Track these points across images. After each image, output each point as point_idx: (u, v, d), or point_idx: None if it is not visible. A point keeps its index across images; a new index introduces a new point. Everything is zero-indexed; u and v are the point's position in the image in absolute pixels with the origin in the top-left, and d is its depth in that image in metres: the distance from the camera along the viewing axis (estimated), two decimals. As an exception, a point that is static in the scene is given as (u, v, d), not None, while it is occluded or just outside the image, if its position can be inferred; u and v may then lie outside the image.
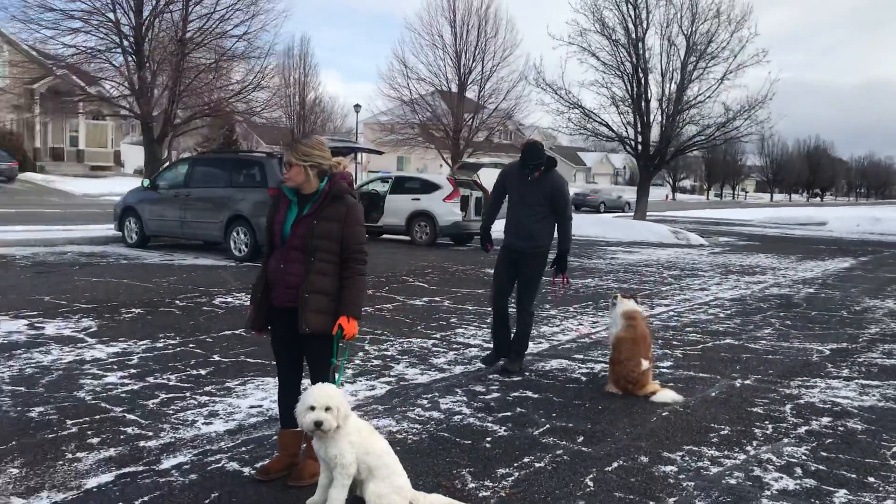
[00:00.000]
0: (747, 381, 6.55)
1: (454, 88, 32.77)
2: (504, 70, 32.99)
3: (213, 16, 19.60)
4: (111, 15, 18.72)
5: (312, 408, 3.59)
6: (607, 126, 27.03)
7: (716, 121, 26.24)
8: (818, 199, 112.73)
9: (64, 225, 18.67)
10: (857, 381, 6.68)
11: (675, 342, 8.14)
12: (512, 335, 6.75)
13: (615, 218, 29.62)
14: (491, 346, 6.93)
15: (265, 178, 13.54)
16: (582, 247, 20.84)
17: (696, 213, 49.76)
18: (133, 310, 8.58)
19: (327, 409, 3.59)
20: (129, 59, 19.14)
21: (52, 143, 44.39)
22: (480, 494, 4.00)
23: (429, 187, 19.09)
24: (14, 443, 4.42)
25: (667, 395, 5.86)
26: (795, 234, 31.23)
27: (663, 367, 6.96)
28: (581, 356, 7.37)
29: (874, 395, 6.20)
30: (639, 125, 26.67)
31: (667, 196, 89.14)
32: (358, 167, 48.98)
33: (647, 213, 28.15)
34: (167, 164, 17.73)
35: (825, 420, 5.49)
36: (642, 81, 26.39)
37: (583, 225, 26.12)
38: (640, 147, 26.93)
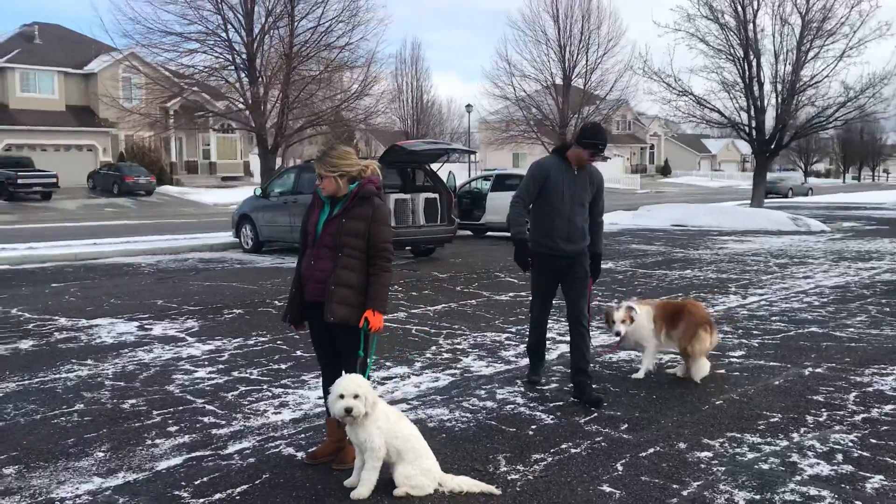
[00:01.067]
0: (818, 370, 6.41)
1: (559, 82, 32.67)
2: (610, 61, 32.65)
3: (317, 29, 20.57)
4: (224, 35, 19.99)
5: (342, 396, 3.94)
6: (719, 112, 26.19)
7: (835, 100, 24.89)
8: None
9: (194, 233, 20.10)
10: (940, 368, 6.41)
11: (755, 331, 8.00)
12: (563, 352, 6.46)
13: (732, 206, 28.60)
14: (527, 362, 6.40)
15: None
16: (691, 237, 20.40)
17: (828, 197, 47.18)
18: (234, 310, 9.28)
19: (356, 396, 3.93)
20: (243, 75, 20.38)
21: (186, 157, 47.54)
22: (509, 478, 4.22)
23: (530, 184, 19.20)
24: (104, 430, 5.02)
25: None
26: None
27: (734, 357, 6.91)
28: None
29: (953, 383, 5.94)
30: (752, 109, 25.67)
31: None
32: (473, 166, 49.60)
33: (771, 200, 27.02)
34: (278, 172, 18.73)
35: (888, 408, 5.35)
36: (754, 64, 25.40)
37: (697, 215, 25.49)
38: (754, 132, 25.93)
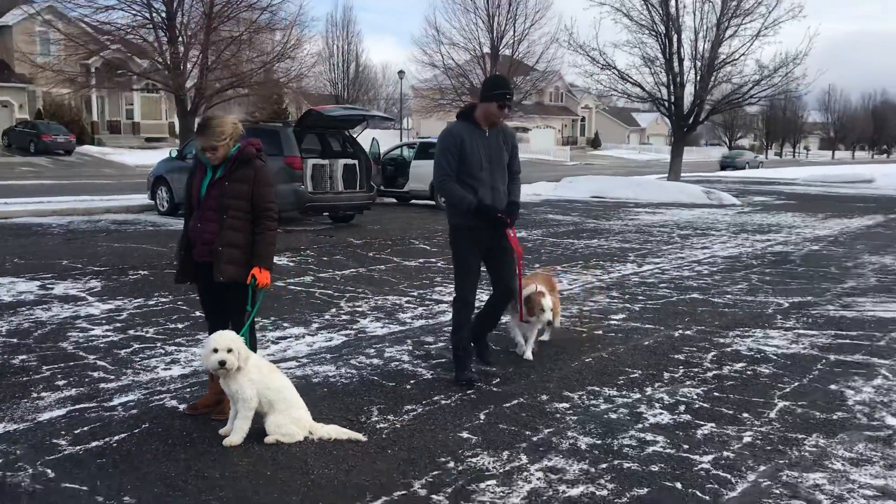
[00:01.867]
0: (687, 332, 6.90)
1: (487, 51, 32.88)
2: (537, 32, 32.99)
3: (239, -12, 20.23)
4: (142, -9, 19.53)
5: (216, 350, 4.16)
6: (640, 87, 26.88)
7: (750, 78, 25.84)
8: (885, 155, 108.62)
9: (112, 195, 19.76)
10: (796, 330, 6.97)
11: (640, 297, 8.49)
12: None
13: (650, 179, 29.46)
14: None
15: (282, 146, 14.15)
16: (607, 208, 21.03)
17: (747, 173, 48.88)
18: (140, 272, 9.33)
19: (229, 350, 4.15)
20: (161, 34, 19.96)
21: (109, 117, 46.20)
22: (378, 426, 4.52)
23: (451, 152, 19.47)
24: (-10, 383, 5.13)
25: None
26: (838, 192, 30.57)
27: (615, 320, 7.35)
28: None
29: (802, 344, 6.49)
30: (672, 85, 26.45)
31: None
32: (406, 134, 49.53)
33: (694, 174, 27.95)
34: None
35: (739, 366, 5.84)
36: (675, 40, 26.11)
37: (616, 187, 26.22)
38: (673, 107, 26.73)
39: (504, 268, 5.59)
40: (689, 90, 26.78)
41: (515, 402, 4.98)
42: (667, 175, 28.84)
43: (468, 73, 32.65)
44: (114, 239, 12.24)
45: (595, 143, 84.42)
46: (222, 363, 4.14)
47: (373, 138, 20.68)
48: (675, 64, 26.27)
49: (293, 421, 4.27)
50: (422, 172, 19.56)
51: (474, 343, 5.74)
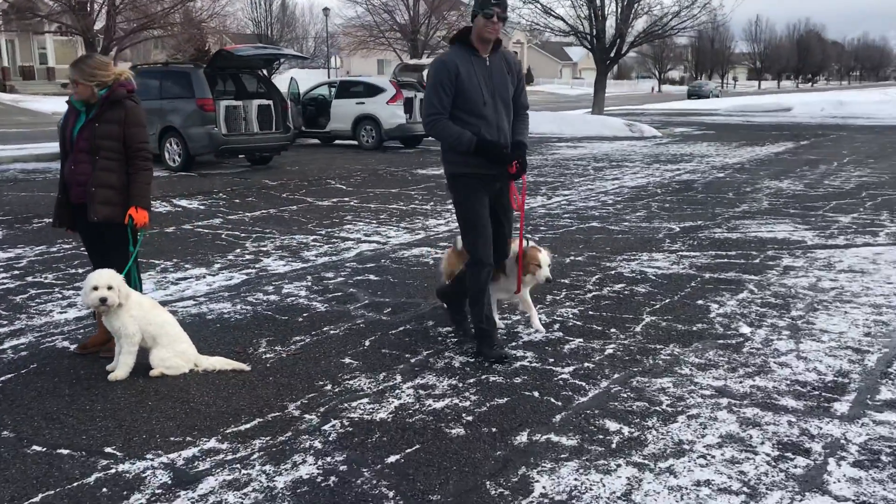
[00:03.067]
0: (579, 258, 7.22)
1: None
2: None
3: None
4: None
5: (96, 287, 4.26)
6: (563, 20, 26.97)
7: (669, 10, 26.16)
8: (809, 84, 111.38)
9: (23, 143, 19.11)
10: (679, 252, 7.36)
11: (542, 227, 8.79)
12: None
13: (574, 113, 29.79)
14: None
15: (193, 88, 13.91)
16: (531, 144, 21.20)
17: (675, 104, 49.67)
18: (44, 220, 9.20)
19: (109, 288, 4.26)
20: (65, -27, 19.15)
21: (21, 62, 44.22)
22: (264, 356, 4.71)
23: (372, 91, 19.40)
24: None
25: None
26: (757, 121, 31.45)
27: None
28: (446, 244, 8.00)
29: (682, 265, 6.88)
30: (593, 18, 26.60)
31: (653, 88, 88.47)
32: (335, 73, 48.69)
33: (623, 107, 28.36)
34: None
35: (618, 286, 6.18)
36: (595, -28, 26.19)
37: (540, 122, 26.45)
38: (595, 41, 26.93)
39: (500, 228, 4.68)
40: (610, 23, 27.00)
41: (402, 328, 5.21)
42: (590, 109, 29.19)
43: (392, 9, 32.20)
44: (21, 188, 11.97)
45: (528, 78, 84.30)
46: (103, 300, 4.24)
47: (291, 78, 20.39)
48: (596, -3, 26.40)
49: (177, 354, 4.42)
50: (343, 112, 19.46)
51: (451, 305, 5.07)
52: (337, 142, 20.42)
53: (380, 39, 32.45)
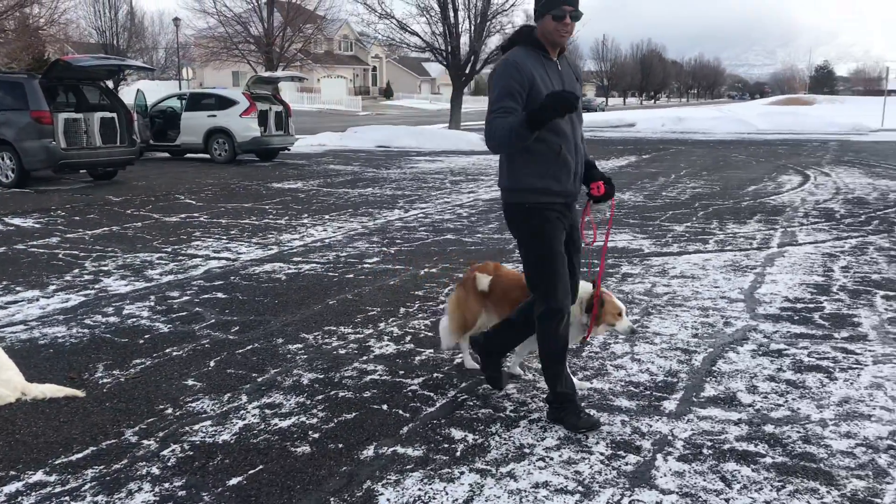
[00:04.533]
0: (433, 270, 7.33)
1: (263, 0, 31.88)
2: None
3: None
4: None
5: None
6: (419, 36, 27.33)
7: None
8: (652, 101, 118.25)
9: None
10: (528, 263, 7.61)
11: (398, 240, 8.84)
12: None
13: (433, 128, 30.24)
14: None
15: (27, 100, 13.06)
16: (390, 157, 21.41)
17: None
18: None
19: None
20: None
21: None
22: (101, 381, 4.47)
23: (225, 103, 18.94)
24: None
25: None
26: (604, 136, 33.10)
27: (368, 263, 7.63)
28: (300, 259, 7.90)
29: (530, 274, 7.11)
30: (448, 35, 27.12)
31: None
32: (187, 84, 47.02)
33: (481, 122, 28.89)
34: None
35: (469, 297, 6.31)
36: (449, -11, 26.71)
37: (400, 136, 26.70)
38: (450, 57, 27.46)
39: (572, 269, 3.95)
40: (464, 40, 27.62)
41: (249, 347, 5.09)
42: (448, 124, 29.70)
43: (246, 21, 31.49)
44: None
45: (388, 93, 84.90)
46: (-88, 330, 3.90)
47: (137, 90, 19.59)
48: (451, 13, 26.92)
49: (2, 383, 4.12)
50: (194, 125, 18.88)
51: (487, 358, 4.24)
52: (188, 155, 19.76)
53: (233, 51, 31.67)
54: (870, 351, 4.95)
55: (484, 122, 3.68)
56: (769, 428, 3.78)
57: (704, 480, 3.28)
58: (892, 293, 6.41)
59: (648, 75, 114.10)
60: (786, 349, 4.99)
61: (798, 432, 3.74)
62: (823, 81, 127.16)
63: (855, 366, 4.68)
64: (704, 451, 3.56)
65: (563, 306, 3.77)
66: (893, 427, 3.80)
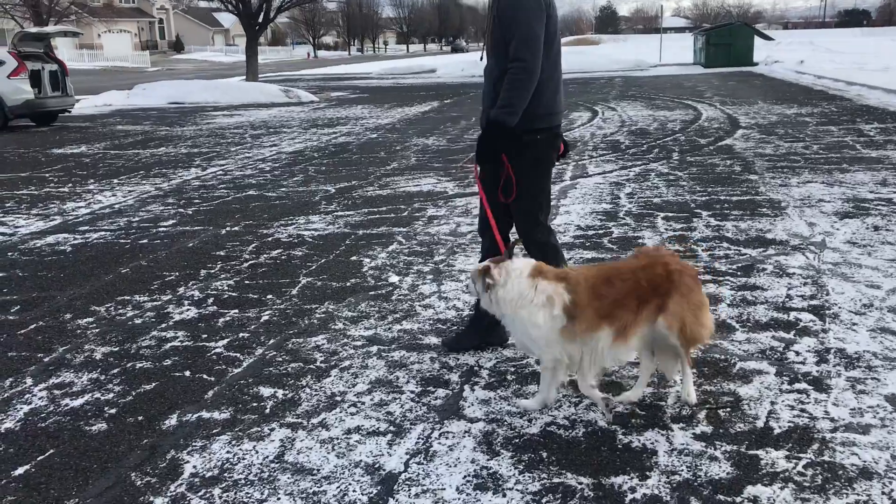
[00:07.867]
0: (235, 228, 7.06)
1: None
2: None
3: None
4: None
5: None
6: (205, -16, 25.83)
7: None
8: (450, 47, 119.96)
9: None
10: (335, 213, 7.53)
11: (196, 200, 8.43)
12: None
13: (229, 81, 28.96)
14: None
15: None
16: (184, 114, 20.30)
17: (331, 69, 50.47)
18: None
19: None
20: None
21: None
22: None
23: (-12, 64, 16.99)
24: None
25: None
26: (406, 83, 33.21)
27: (163, 227, 7.22)
28: (87, 228, 7.32)
29: (339, 224, 7.05)
30: (237, -17, 25.86)
31: (308, 54, 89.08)
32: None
33: (280, 73, 27.87)
34: None
35: (275, 252, 6.15)
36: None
37: (193, 91, 25.32)
38: (241, 6, 26.25)
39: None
40: (255, -12, 26.46)
41: (33, 326, 4.68)
42: (245, 76, 28.56)
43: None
44: None
45: (178, 46, 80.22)
46: None
47: None
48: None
49: None
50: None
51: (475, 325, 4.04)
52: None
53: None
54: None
55: (519, 50, 3.46)
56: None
57: (509, 405, 3.42)
58: (671, 214, 6.96)
59: (445, 21, 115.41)
60: (580, 274, 5.28)
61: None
62: (608, 22, 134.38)
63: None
64: (508, 377, 3.71)
65: (549, 239, 3.89)
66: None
